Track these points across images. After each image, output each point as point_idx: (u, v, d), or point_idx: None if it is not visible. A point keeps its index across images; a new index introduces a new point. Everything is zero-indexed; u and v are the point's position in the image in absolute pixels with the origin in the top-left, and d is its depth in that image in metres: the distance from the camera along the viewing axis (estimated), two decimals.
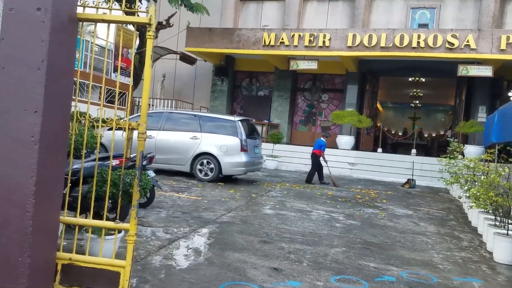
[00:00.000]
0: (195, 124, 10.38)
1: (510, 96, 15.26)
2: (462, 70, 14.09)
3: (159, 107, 17.41)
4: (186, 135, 10.25)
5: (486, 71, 13.86)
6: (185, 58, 17.82)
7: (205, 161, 10.10)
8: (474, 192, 6.11)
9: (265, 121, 17.83)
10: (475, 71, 13.98)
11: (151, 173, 6.18)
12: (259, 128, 15.50)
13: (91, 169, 4.35)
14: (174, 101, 18.00)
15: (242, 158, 9.99)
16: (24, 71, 2.86)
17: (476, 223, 6.99)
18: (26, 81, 2.86)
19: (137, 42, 15.39)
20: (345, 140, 15.95)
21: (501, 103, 14.21)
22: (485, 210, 6.23)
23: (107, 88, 15.69)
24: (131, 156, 4.87)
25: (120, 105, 16.93)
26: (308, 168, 15.28)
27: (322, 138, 12.00)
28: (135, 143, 3.31)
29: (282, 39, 15.39)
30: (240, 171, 10.24)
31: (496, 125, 8.98)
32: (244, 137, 10.04)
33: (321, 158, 11.75)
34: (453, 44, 13.62)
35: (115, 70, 17.13)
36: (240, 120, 10.28)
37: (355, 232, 6.20)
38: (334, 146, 16.00)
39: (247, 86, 19.31)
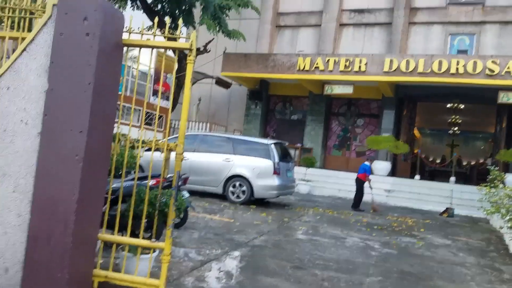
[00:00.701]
0: (228, 146, 10.50)
1: None
2: (503, 97, 13.63)
3: (194, 130, 17.75)
4: (219, 157, 10.37)
5: None
6: (220, 82, 18.20)
7: (237, 183, 10.14)
8: None
9: (298, 144, 17.79)
10: None
11: (186, 194, 6.27)
12: (292, 151, 15.47)
13: (129, 188, 4.46)
14: (208, 123, 18.31)
15: (275, 181, 9.97)
16: (72, 93, 3.02)
17: None
18: (73, 102, 3.01)
19: (176, 67, 15.86)
20: (382, 166, 15.61)
21: None
22: None
23: (146, 112, 16.19)
24: (168, 176, 4.97)
25: (158, 127, 17.39)
26: (342, 194, 15.08)
27: (366, 162, 11.84)
28: (172, 164, 3.39)
29: (317, 64, 15.46)
30: (272, 194, 10.21)
31: None
32: (277, 160, 10.04)
33: (366, 183, 11.54)
34: (493, 71, 13.25)
35: (154, 94, 17.67)
36: (273, 143, 10.32)
37: (392, 261, 6.00)
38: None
39: (281, 110, 19.41)
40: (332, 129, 18.53)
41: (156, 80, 17.68)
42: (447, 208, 12.34)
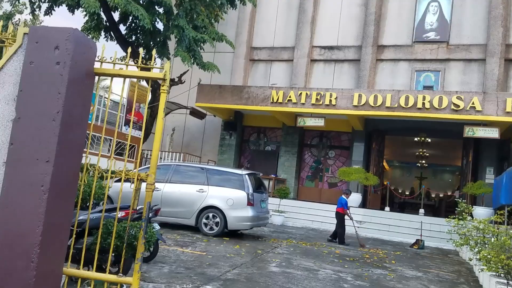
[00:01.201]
0: (202, 177, 10.41)
1: None
2: (468, 132, 14.19)
3: (167, 160, 17.56)
4: (192, 188, 10.25)
5: (493, 133, 13.94)
6: (195, 113, 18.24)
7: (211, 215, 10.00)
8: (485, 254, 5.94)
9: (272, 175, 17.83)
10: (481, 132, 14.07)
11: (156, 226, 6.12)
12: (266, 182, 15.48)
13: (96, 220, 4.33)
14: (182, 154, 18.18)
15: (249, 212, 9.89)
16: (40, 122, 2.96)
17: (488, 286, 6.72)
18: (41, 131, 2.95)
19: (149, 97, 15.85)
20: (353, 198, 15.74)
21: (509, 165, 14.14)
22: (497, 274, 6.01)
23: (117, 141, 15.96)
24: (138, 208, 4.86)
25: (129, 158, 17.12)
26: (315, 225, 15.08)
27: (343, 196, 11.93)
28: (142, 195, 3.32)
29: (290, 97, 15.76)
30: (246, 225, 10.10)
31: (504, 187, 8.89)
32: (251, 191, 10.00)
33: (346, 216, 11.59)
34: (458, 106, 13.84)
35: (126, 124, 17.49)
36: (247, 174, 10.30)
37: None
38: None
39: (255, 141, 19.53)
40: (305, 160, 18.72)
41: (129, 110, 17.56)
42: (417, 240, 12.50)
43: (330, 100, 15.30)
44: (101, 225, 3.51)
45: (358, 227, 14.58)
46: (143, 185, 3.37)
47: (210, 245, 8.72)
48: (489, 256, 5.73)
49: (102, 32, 14.57)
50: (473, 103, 13.70)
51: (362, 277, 7.17)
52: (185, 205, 10.15)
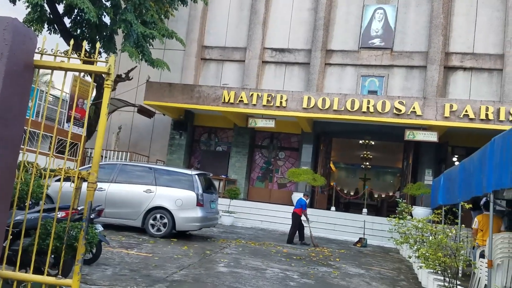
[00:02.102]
0: (150, 177, 10.16)
1: (455, 161, 16.22)
2: (409, 135, 14.92)
3: (112, 159, 16.98)
4: (139, 188, 9.98)
5: (431, 137, 14.76)
6: (143, 111, 17.78)
7: (158, 216, 9.78)
8: (423, 252, 6.26)
9: (223, 176, 17.77)
10: (421, 136, 14.85)
11: (99, 227, 5.90)
12: (216, 183, 15.39)
13: (34, 221, 4.10)
14: (129, 153, 17.65)
15: (198, 213, 9.78)
16: None
17: (426, 283, 7.10)
18: None
19: (94, 93, 15.27)
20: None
21: (446, 167, 15.03)
22: (434, 271, 6.36)
23: (59, 139, 15.20)
24: (79, 208, 4.66)
25: (72, 156, 16.37)
26: (264, 225, 15.22)
27: (303, 197, 12.08)
28: (84, 195, 3.18)
29: (241, 97, 15.80)
30: (195, 226, 9.99)
31: (442, 188, 9.43)
32: (200, 191, 9.90)
33: (302, 217, 11.70)
34: (400, 110, 14.51)
35: (69, 120, 16.71)
36: (197, 174, 10.18)
37: None
38: (290, 203, 16.09)
39: (206, 141, 19.38)
40: (255, 161, 18.83)
41: (72, 106, 16.80)
42: (360, 239, 12.96)
43: (281, 102, 15.50)
44: (39, 225, 3.32)
45: (305, 226, 14.89)
46: (85, 184, 3.23)
47: (157, 246, 8.53)
48: (427, 254, 6.04)
49: (45, 24, 13.85)
50: (414, 108, 14.42)
51: (308, 275, 7.32)
52: (131, 205, 9.87)
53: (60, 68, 3.16)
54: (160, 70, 15.28)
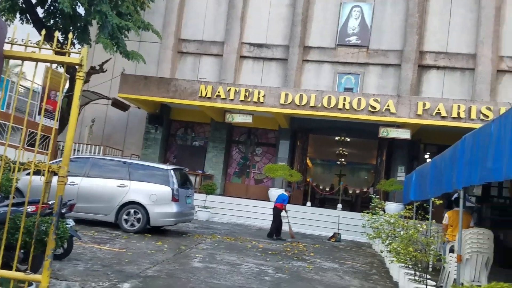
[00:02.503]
0: (123, 171, 10.00)
1: (427, 158, 16.60)
2: (383, 132, 15.18)
3: (85, 153, 16.64)
4: (113, 183, 9.80)
5: (405, 134, 15.06)
6: (117, 104, 17.47)
7: (132, 211, 9.64)
8: (395, 247, 6.39)
9: (199, 171, 17.67)
10: (394, 133, 15.13)
11: (71, 222, 5.78)
12: (192, 178, 15.28)
13: (3, 215, 3.97)
14: (102, 147, 17.31)
15: (173, 208, 9.69)
16: None
17: (397, 277, 7.26)
18: None
19: (67, 85, 14.90)
20: (277, 193, 16.12)
21: (418, 163, 15.38)
22: (405, 265, 6.51)
23: (30, 131, 14.77)
24: (50, 202, 4.54)
25: (43, 150, 15.95)
26: (240, 220, 15.23)
27: (285, 192, 12.15)
28: (55, 190, 3.10)
29: (219, 92, 15.71)
30: (170, 221, 9.90)
31: (414, 184, 9.65)
32: (176, 186, 9.80)
33: (282, 213, 11.74)
34: (375, 108, 14.74)
35: (40, 113, 16.24)
36: (172, 169, 10.08)
37: (284, 286, 6.15)
38: (266, 198, 16.15)
39: (182, 135, 19.21)
40: (232, 157, 18.79)
41: (43, 98, 16.31)
42: (334, 233, 13.15)
43: (258, 98, 15.51)
44: (7, 219, 3.22)
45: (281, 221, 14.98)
46: (56, 178, 3.15)
47: (131, 242, 8.42)
48: (398, 249, 6.17)
49: (18, 14, 13.41)
50: (388, 106, 14.67)
51: (283, 269, 7.37)
52: (104, 200, 9.70)
53: (31, 59, 3.06)
54: (136, 62, 15.03)
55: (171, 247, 8.38)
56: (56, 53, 3.22)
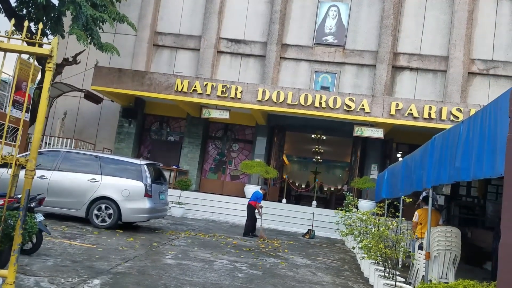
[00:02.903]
0: (95, 165, 9.80)
1: (398, 157, 16.95)
2: (357, 131, 15.40)
3: (56, 146, 16.21)
4: (84, 177, 9.60)
5: (378, 133, 15.32)
6: (90, 96, 17.09)
7: (103, 206, 9.47)
8: (366, 243, 6.51)
9: (174, 166, 17.50)
10: (368, 132, 15.37)
11: (40, 217, 5.63)
12: (167, 173, 15.12)
13: None
14: (74, 140, 16.91)
15: (146, 204, 9.57)
16: None
17: (368, 273, 7.40)
18: None
19: (39, 76, 14.47)
20: (253, 190, 16.15)
21: (391, 162, 15.71)
22: (376, 261, 6.64)
23: (0, 123, 14.28)
24: (18, 196, 4.41)
25: (13, 142, 15.45)
26: (215, 216, 15.20)
27: (260, 190, 12.10)
28: (22, 183, 3.01)
29: (195, 87, 15.58)
30: (142, 217, 9.78)
31: (386, 183, 9.84)
32: (149, 181, 9.68)
33: (256, 210, 11.70)
34: (350, 107, 14.93)
35: (14, 104, 15.71)
36: (146, 164, 9.95)
37: (257, 282, 6.17)
38: (242, 195, 16.16)
39: (157, 130, 18.97)
40: (208, 152, 18.69)
41: (17, 89, 15.80)
42: (308, 230, 13.28)
43: (236, 94, 15.46)
44: None
45: (256, 218, 15.03)
46: (23, 171, 3.05)
47: (101, 237, 8.28)
48: (369, 245, 6.29)
49: None
50: (362, 105, 14.89)
51: (256, 266, 7.40)
52: (75, 195, 9.49)
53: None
54: (110, 55, 14.73)
55: (143, 243, 8.29)
56: (27, 43, 3.11)
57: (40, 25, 3.20)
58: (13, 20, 3.19)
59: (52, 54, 2.92)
